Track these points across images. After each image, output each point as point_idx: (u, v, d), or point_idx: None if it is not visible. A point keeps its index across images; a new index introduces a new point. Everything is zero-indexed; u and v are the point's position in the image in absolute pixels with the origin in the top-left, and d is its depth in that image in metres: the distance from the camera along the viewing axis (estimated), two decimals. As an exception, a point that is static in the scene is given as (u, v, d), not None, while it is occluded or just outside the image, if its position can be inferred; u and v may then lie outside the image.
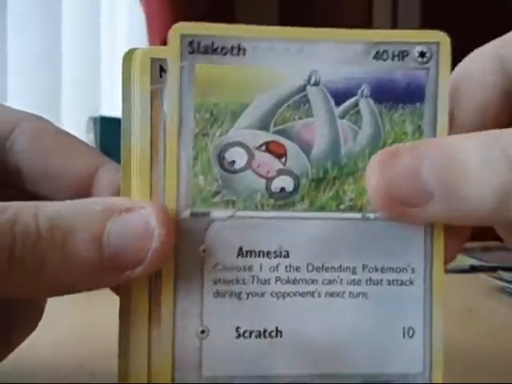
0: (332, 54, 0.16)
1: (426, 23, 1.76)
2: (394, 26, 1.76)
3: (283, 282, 0.16)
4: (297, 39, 0.16)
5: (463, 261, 0.50)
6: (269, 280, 0.16)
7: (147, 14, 1.06)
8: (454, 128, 0.17)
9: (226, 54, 0.15)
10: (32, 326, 0.20)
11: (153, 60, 0.16)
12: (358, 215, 0.16)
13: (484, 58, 0.17)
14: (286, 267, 0.16)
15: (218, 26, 0.15)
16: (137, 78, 0.16)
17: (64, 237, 0.14)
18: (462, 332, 0.28)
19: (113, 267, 0.15)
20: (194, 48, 0.15)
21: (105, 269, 0.15)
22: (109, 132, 0.55)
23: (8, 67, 0.72)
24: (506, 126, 0.16)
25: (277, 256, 0.16)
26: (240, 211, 0.16)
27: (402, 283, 0.16)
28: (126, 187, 0.16)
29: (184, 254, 0.16)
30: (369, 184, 0.16)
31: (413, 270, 0.16)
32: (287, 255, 0.16)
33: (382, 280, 0.16)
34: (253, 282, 0.16)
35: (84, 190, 0.18)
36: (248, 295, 0.16)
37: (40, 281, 0.14)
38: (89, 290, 0.16)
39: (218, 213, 0.16)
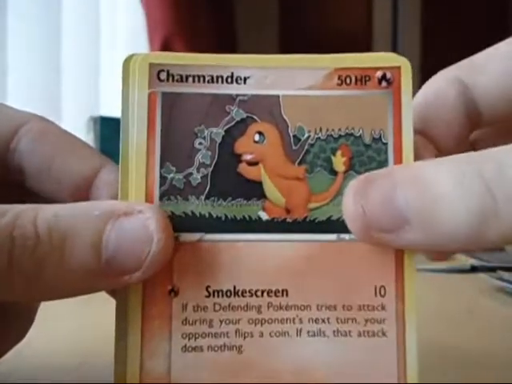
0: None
1: (427, 23, 1.76)
2: (395, 25, 1.76)
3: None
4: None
5: (463, 261, 0.50)
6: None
7: (147, 13, 1.07)
8: (438, 152, 0.18)
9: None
10: (20, 335, 0.20)
11: (151, 65, 0.16)
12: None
13: (448, 82, 0.18)
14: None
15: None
16: (136, 81, 0.16)
17: (62, 241, 0.14)
18: (462, 332, 0.28)
19: (111, 272, 0.14)
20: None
21: (103, 273, 0.14)
22: (109, 132, 0.56)
23: (8, 67, 0.72)
24: (468, 146, 0.17)
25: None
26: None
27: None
28: (124, 187, 0.16)
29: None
30: (345, 212, 0.15)
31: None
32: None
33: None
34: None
35: (85, 191, 0.18)
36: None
37: (38, 285, 0.14)
38: (86, 294, 0.15)
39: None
